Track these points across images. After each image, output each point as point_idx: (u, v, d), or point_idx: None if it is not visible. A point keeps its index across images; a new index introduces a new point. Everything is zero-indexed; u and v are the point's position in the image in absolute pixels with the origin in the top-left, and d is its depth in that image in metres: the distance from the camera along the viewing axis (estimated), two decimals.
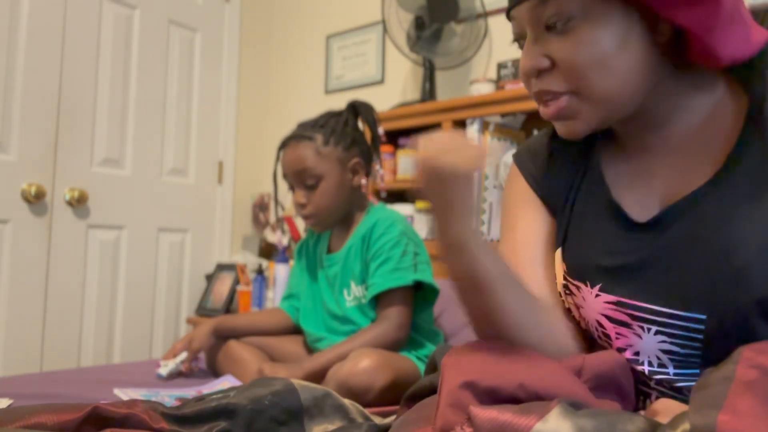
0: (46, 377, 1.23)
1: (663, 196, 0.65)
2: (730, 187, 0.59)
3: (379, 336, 1.18)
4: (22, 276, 1.99)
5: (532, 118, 1.87)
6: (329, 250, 1.37)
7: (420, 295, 1.28)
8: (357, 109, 1.36)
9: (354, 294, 1.28)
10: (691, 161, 0.64)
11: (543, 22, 0.61)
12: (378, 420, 0.79)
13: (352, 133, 1.31)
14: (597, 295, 0.66)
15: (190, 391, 1.15)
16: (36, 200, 2.01)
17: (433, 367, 0.71)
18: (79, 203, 2.11)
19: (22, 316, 1.98)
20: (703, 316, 0.58)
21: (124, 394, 1.08)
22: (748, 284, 0.56)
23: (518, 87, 1.72)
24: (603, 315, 0.66)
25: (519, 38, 0.66)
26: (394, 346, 1.19)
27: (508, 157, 1.68)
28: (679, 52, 0.63)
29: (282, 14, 2.85)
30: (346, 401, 0.80)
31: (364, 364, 1.04)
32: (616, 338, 0.66)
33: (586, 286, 0.67)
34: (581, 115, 0.62)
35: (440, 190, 0.60)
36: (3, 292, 1.94)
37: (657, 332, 0.62)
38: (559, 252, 0.73)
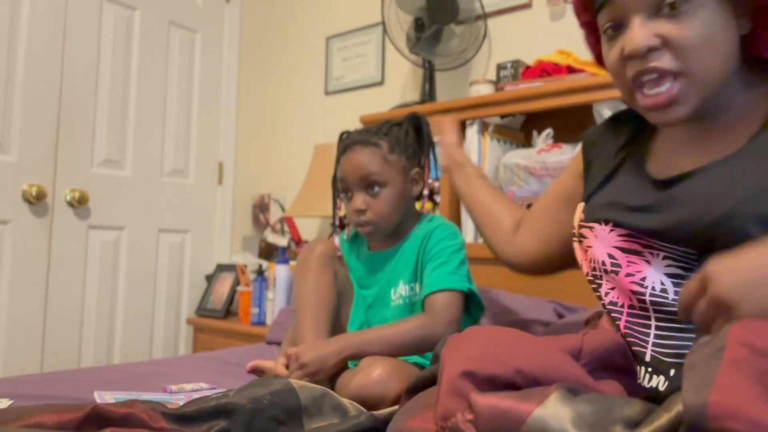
0: (46, 377, 1.23)
1: (686, 166, 0.72)
2: (740, 160, 0.66)
3: (427, 325, 1.13)
4: (23, 276, 1.99)
5: (532, 119, 1.88)
6: (370, 249, 1.37)
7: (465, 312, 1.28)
8: (419, 120, 1.36)
9: (400, 293, 1.27)
10: (720, 147, 0.70)
11: (655, 5, 0.66)
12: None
13: (413, 143, 1.32)
14: (611, 230, 0.74)
15: (172, 397, 1.13)
16: (37, 201, 2.01)
17: (436, 359, 0.72)
18: (79, 204, 2.12)
19: (22, 316, 1.99)
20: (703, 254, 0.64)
21: (100, 396, 1.07)
22: (742, 239, 0.60)
23: (518, 88, 1.72)
24: (615, 247, 0.74)
25: (613, 26, 0.70)
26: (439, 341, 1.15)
27: (507, 159, 1.69)
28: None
29: (282, 15, 2.85)
30: (345, 400, 0.81)
31: (376, 374, 1.02)
32: (627, 265, 0.72)
33: (600, 224, 0.76)
34: (687, 100, 0.67)
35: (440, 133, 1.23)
36: (3, 292, 1.95)
37: (665, 257, 0.68)
38: (581, 205, 0.83)
